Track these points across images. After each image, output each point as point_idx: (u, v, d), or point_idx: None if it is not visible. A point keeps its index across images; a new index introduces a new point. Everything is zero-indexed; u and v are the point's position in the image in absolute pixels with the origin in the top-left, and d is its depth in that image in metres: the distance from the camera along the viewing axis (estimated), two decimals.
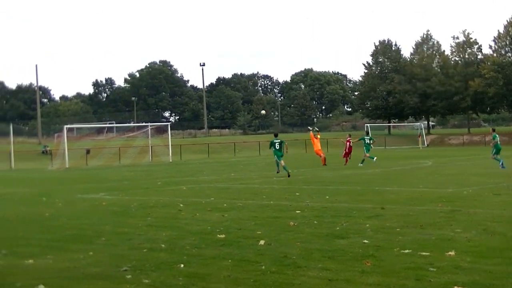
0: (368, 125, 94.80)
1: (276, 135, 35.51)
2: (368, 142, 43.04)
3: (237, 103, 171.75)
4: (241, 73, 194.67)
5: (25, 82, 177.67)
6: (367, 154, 41.85)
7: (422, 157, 52.77)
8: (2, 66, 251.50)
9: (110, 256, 11.32)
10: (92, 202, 22.09)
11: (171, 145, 68.88)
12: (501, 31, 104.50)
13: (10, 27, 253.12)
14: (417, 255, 10.53)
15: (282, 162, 33.71)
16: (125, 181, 34.81)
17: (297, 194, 22.40)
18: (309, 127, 52.96)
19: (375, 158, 41.70)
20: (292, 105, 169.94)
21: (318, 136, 44.55)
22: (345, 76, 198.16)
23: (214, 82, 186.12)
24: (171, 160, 64.92)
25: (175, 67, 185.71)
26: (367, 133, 41.66)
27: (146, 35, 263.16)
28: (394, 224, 14.02)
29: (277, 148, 34.05)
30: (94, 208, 20.15)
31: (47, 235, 14.30)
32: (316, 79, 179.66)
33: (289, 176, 32.29)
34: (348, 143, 44.11)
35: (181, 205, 19.81)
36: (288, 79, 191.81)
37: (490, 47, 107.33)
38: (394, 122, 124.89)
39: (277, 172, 34.40)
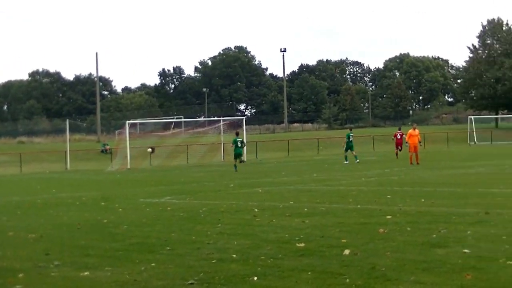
0: (472, 117, 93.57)
1: (237, 134, 48.03)
2: None
3: (322, 93, 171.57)
4: (327, 60, 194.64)
5: (84, 72, 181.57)
6: None
7: None
8: (59, 54, 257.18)
9: (175, 268, 11.48)
10: (156, 207, 22.39)
11: (247, 142, 69.07)
12: None
13: (67, 11, 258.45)
14: None
15: (237, 160, 44.45)
16: (194, 183, 35.21)
17: (388, 197, 22.30)
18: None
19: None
20: (385, 95, 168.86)
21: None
22: (446, 61, 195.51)
23: (297, 70, 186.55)
24: (245, 159, 65.19)
25: (252, 53, 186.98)
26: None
27: (219, 18, 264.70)
28: (500, 231, 13.82)
29: (239, 146, 44.76)
30: (159, 213, 20.43)
31: (106, 244, 14.58)
32: (413, 66, 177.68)
33: (236, 171, 42.35)
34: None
35: (256, 210, 19.92)
36: (381, 65, 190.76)
37: None
38: (503, 114, 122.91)
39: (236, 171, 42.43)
